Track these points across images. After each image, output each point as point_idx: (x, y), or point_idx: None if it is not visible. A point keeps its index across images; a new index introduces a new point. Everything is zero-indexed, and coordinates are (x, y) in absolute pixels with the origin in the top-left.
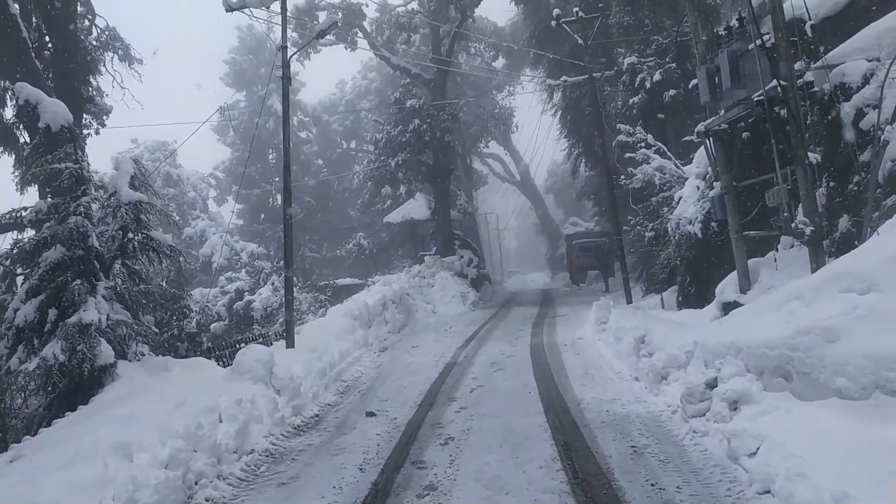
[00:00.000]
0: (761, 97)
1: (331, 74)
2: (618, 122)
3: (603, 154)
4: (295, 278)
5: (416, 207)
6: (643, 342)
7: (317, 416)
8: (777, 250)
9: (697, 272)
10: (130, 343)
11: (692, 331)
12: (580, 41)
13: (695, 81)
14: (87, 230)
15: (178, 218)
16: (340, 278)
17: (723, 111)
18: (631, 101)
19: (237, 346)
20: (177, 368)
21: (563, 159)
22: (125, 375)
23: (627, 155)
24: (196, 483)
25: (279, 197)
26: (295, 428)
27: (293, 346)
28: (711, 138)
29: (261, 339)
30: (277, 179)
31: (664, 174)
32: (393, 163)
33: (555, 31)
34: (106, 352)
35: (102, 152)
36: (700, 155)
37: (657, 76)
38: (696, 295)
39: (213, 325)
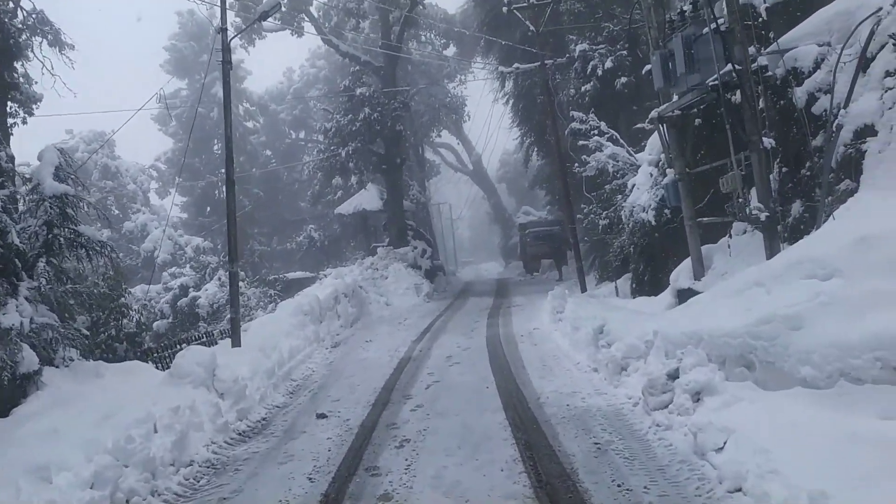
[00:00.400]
0: (716, 82)
1: (278, 63)
2: (570, 109)
3: (555, 142)
4: (242, 273)
5: (368, 198)
6: (602, 332)
7: (264, 419)
8: (731, 236)
9: (651, 259)
10: (57, 348)
11: (651, 320)
12: (531, 28)
13: (647, 68)
14: (5, 226)
15: (116, 211)
16: (291, 272)
17: (676, 97)
18: (583, 88)
19: (178, 346)
20: (109, 374)
21: (515, 148)
22: (51, 384)
23: (581, 143)
24: (127, 502)
25: (226, 189)
26: (240, 434)
27: (239, 345)
28: (665, 125)
29: (205, 339)
30: (223, 171)
31: (617, 162)
32: (343, 153)
33: (506, 17)
34: (29, 358)
35: (35, 143)
36: (653, 142)
37: (608, 63)
38: (650, 282)
39: (156, 324)
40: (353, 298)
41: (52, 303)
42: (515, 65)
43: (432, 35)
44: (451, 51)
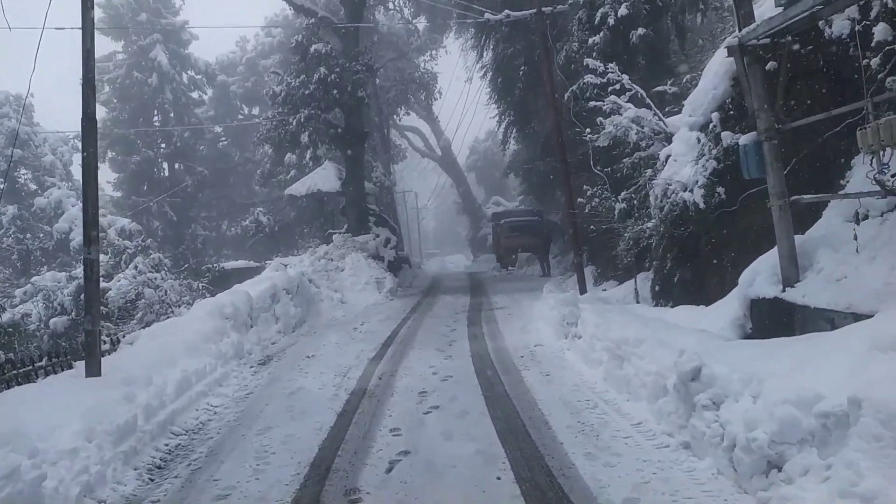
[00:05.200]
0: None
1: (233, 35)
2: (574, 67)
3: (553, 106)
4: (166, 260)
5: (325, 178)
6: (697, 379)
7: None
8: (858, 222)
9: (687, 255)
10: None
11: (787, 357)
12: None
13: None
14: None
15: (34, 186)
16: (232, 261)
17: (780, 8)
18: (590, 40)
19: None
20: None
21: (487, 135)
22: None
23: (592, 104)
24: None
25: (166, 165)
26: None
27: (98, 374)
28: (746, 58)
29: (49, 362)
30: (164, 145)
31: (642, 128)
32: (294, 121)
33: None
34: None
35: None
36: (696, 100)
37: (623, 10)
38: (684, 284)
39: (53, 321)
40: (297, 296)
41: None
42: (506, 11)
43: (401, 2)
44: (421, 25)
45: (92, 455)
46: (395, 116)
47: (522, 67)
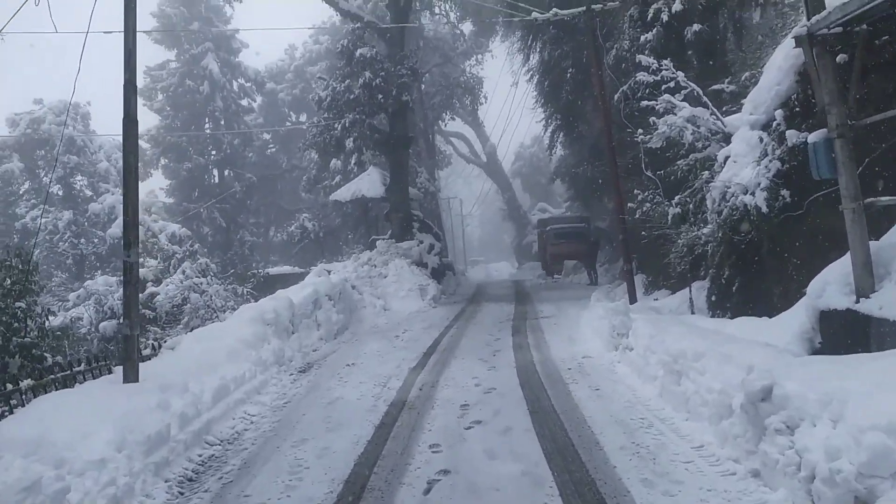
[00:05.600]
0: None
1: (282, 43)
2: (624, 66)
3: (603, 105)
4: (213, 265)
5: (369, 184)
6: (767, 399)
7: None
8: None
9: (747, 262)
10: None
11: (890, 382)
12: None
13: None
14: None
15: (89, 193)
16: (278, 266)
17: None
18: (642, 38)
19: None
20: None
21: (532, 141)
22: None
23: (644, 104)
24: None
25: (216, 172)
26: None
27: (136, 380)
28: (815, 50)
29: (89, 366)
30: (214, 152)
31: (698, 128)
32: (339, 126)
33: None
34: None
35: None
36: (757, 97)
37: (677, 6)
38: (743, 294)
39: (102, 325)
40: (340, 302)
41: None
42: (554, 10)
43: (447, 6)
44: (467, 28)
45: (121, 466)
46: (440, 122)
47: (570, 70)
